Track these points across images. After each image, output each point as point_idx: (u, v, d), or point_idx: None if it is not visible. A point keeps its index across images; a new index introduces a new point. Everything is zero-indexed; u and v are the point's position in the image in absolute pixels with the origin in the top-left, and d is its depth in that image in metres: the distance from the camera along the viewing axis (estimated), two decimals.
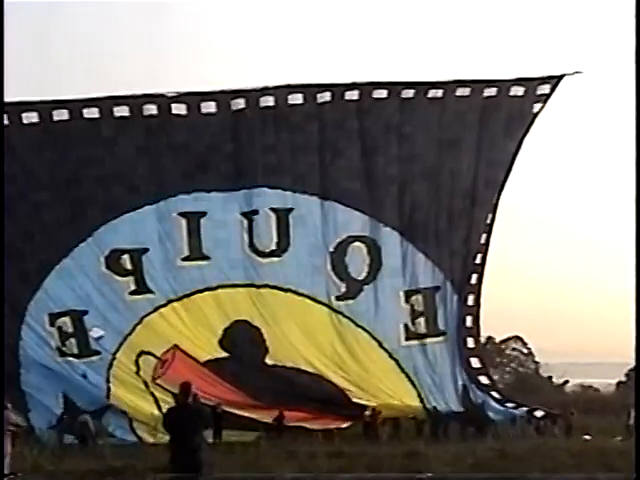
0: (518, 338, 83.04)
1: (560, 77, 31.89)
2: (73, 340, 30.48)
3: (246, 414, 30.44)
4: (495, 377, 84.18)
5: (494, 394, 33.23)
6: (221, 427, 28.79)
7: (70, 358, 30.36)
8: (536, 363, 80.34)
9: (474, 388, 32.48)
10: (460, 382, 32.35)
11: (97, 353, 30.48)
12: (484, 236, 32.83)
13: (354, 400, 31.39)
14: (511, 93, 31.98)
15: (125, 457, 22.21)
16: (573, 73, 31.88)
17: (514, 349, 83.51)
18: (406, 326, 32.22)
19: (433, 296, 32.40)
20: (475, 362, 33.01)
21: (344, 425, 31.76)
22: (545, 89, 31.98)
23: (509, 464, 19.58)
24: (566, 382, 70.47)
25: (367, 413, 31.33)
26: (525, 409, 33.32)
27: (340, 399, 31.33)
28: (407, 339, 32.19)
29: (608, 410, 42.70)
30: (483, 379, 33.18)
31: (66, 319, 30.46)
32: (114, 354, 30.42)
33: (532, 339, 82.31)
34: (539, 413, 33.73)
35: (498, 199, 32.78)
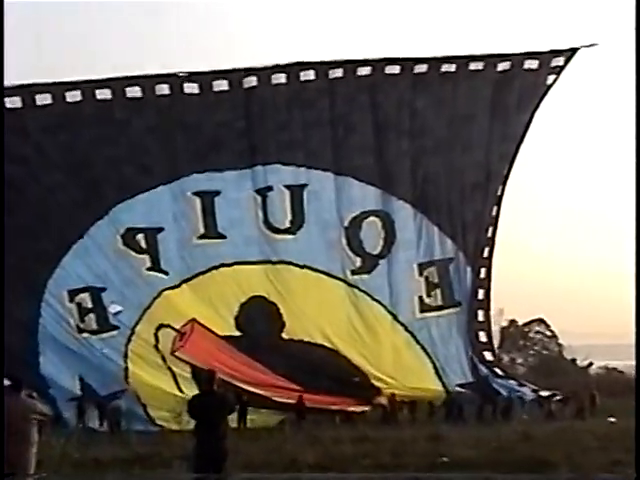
0: (541, 321, 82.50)
1: (575, 49, 31.79)
2: (92, 316, 30.70)
3: (268, 394, 30.61)
4: (519, 360, 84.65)
5: (497, 370, 33.70)
6: (246, 413, 29.08)
7: (88, 334, 30.52)
8: (560, 345, 79.64)
9: (477, 362, 32.82)
10: (470, 353, 32.68)
11: (116, 328, 30.68)
12: (494, 209, 32.98)
13: (372, 381, 31.57)
14: (525, 66, 32.04)
15: (151, 444, 22.45)
16: (588, 45, 31.78)
17: (537, 332, 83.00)
18: (420, 298, 32.39)
19: (447, 268, 32.63)
20: (482, 336, 33.44)
21: (360, 409, 31.85)
22: (559, 61, 31.98)
23: (533, 447, 19.33)
24: (590, 364, 69.97)
25: (383, 398, 31.55)
26: (530, 389, 33.66)
27: (355, 378, 31.53)
28: (422, 311, 32.35)
29: (633, 392, 42.48)
30: (487, 355, 33.60)
31: (85, 295, 30.69)
32: (133, 328, 30.59)
33: (555, 321, 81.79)
34: (545, 393, 34.06)
35: (509, 172, 32.90)
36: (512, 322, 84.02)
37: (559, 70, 32.07)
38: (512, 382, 33.84)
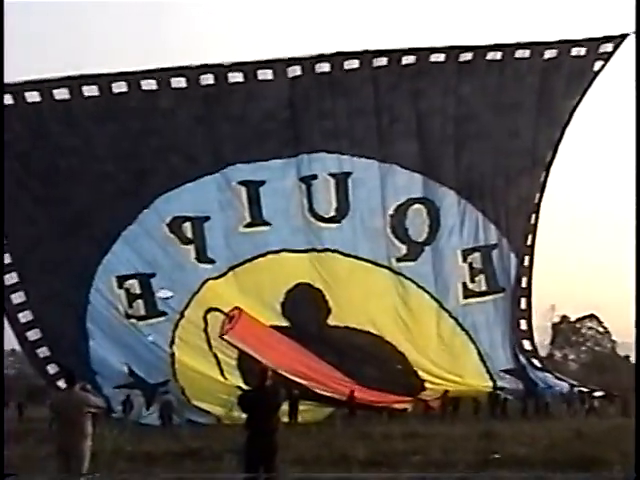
0: (594, 317, 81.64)
1: (624, 36, 31.44)
2: (140, 302, 31.10)
3: (319, 389, 30.93)
4: (571, 356, 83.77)
5: (534, 361, 33.59)
6: (297, 408, 29.37)
7: (136, 320, 30.92)
8: (613, 342, 78.75)
9: (518, 350, 32.92)
10: (512, 341, 32.84)
11: (163, 314, 31.03)
12: (537, 195, 32.93)
13: (414, 369, 31.85)
14: (572, 53, 31.85)
15: (202, 438, 22.50)
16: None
17: (590, 328, 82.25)
18: (464, 284, 32.54)
19: (490, 254, 32.71)
20: (523, 324, 33.50)
21: (403, 407, 32.10)
22: (607, 47, 31.74)
23: (585, 445, 19.09)
24: None
25: (430, 396, 31.86)
26: (569, 383, 33.91)
27: (398, 365, 31.80)
28: (466, 297, 32.51)
29: None
30: (526, 344, 33.61)
31: (134, 281, 31.09)
32: (182, 312, 30.91)
33: (609, 317, 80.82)
34: (584, 389, 34.40)
35: (553, 158, 32.88)
36: (564, 318, 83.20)
37: (607, 56, 31.83)
38: (548, 375, 33.91)
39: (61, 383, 29.12)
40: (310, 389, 30.75)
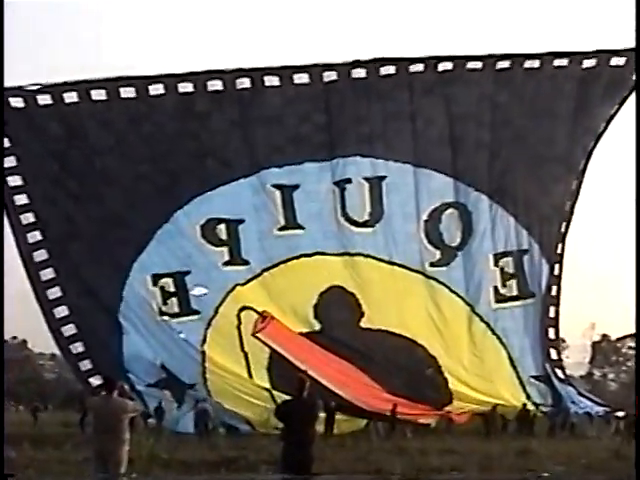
0: (635, 336, 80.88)
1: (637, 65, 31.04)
2: (174, 299, 31.26)
3: (359, 404, 31.09)
4: (610, 376, 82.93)
5: (558, 371, 33.61)
6: (334, 420, 29.67)
7: (169, 318, 31.16)
8: None
9: (544, 358, 33.09)
10: (544, 346, 33.02)
11: (197, 312, 31.23)
12: (568, 204, 32.96)
13: (445, 374, 32.00)
14: (612, 63, 31.72)
15: (238, 448, 22.70)
16: None
17: (630, 347, 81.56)
18: (495, 289, 32.64)
19: (522, 258, 32.77)
20: (551, 332, 33.54)
21: (430, 421, 32.35)
22: None
23: (624, 466, 18.88)
24: None
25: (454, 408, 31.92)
26: (590, 400, 34.01)
27: (428, 369, 31.96)
28: (497, 302, 32.61)
29: None
30: (553, 352, 33.77)
31: (168, 279, 31.26)
32: (217, 308, 31.10)
33: None
34: (602, 408, 34.04)
35: (586, 166, 32.90)
36: (604, 337, 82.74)
37: None
38: (571, 389, 33.97)
39: (93, 380, 29.98)
40: (347, 400, 30.82)
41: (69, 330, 30.52)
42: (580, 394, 34.36)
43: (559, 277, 33.18)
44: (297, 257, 31.43)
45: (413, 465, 19.22)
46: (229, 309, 31.11)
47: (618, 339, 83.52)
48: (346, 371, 31.33)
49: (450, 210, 32.21)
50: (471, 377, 31.98)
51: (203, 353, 31.00)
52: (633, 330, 79.54)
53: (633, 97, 31.29)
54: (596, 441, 28.12)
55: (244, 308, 31.22)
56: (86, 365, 30.55)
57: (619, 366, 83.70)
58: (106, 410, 13.14)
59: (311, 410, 12.86)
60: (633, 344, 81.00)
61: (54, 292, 30.34)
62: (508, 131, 31.99)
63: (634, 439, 29.63)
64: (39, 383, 71.70)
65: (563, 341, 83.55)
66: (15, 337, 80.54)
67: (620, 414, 34.40)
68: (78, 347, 30.63)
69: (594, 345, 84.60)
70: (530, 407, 32.54)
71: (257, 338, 31.18)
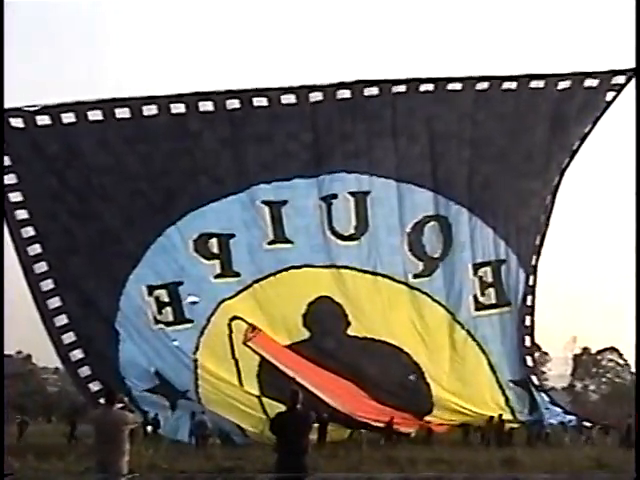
0: (614, 349, 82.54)
1: (637, 69, 31.93)
2: (169, 309, 32.38)
3: (349, 412, 32.50)
4: (591, 387, 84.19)
5: (533, 378, 35.11)
6: (326, 431, 31.09)
7: (164, 326, 32.31)
8: (632, 374, 79.57)
9: (521, 364, 34.55)
10: (526, 347, 34.52)
11: (190, 321, 32.37)
12: (543, 217, 34.41)
13: (428, 380, 33.39)
14: (585, 84, 32.98)
15: (234, 458, 23.78)
16: None
17: (610, 360, 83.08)
18: (475, 297, 34.01)
19: (499, 268, 34.13)
20: (527, 341, 34.94)
21: (410, 430, 33.73)
22: (620, 79, 32.81)
23: (606, 474, 19.96)
24: None
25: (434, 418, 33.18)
26: (562, 409, 35.59)
27: (411, 376, 33.34)
28: (476, 309, 34.02)
29: None
30: (529, 359, 35.11)
31: (162, 291, 32.39)
32: (209, 318, 32.29)
33: (628, 350, 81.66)
34: (570, 417, 35.47)
35: (559, 182, 34.28)
36: (585, 350, 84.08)
37: (620, 88, 32.94)
38: (544, 396, 35.39)
39: (92, 385, 31.22)
40: (337, 409, 32.11)
41: (68, 338, 31.64)
42: (552, 402, 35.82)
43: (534, 287, 34.59)
44: (286, 269, 32.61)
45: (403, 475, 20.10)
46: (220, 318, 32.29)
47: (598, 352, 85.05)
48: (335, 382, 32.59)
49: (432, 223, 33.49)
50: (452, 382, 33.37)
51: (195, 361, 32.19)
52: (612, 343, 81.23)
53: (627, 103, 32.10)
54: (578, 450, 29.08)
55: (235, 318, 32.44)
56: (85, 372, 31.72)
57: (599, 378, 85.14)
58: (107, 421, 13.70)
59: (305, 421, 13.39)
60: (612, 357, 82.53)
61: (54, 302, 31.48)
62: (488, 148, 33.29)
63: (619, 448, 30.89)
64: (43, 396, 72.71)
65: (545, 354, 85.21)
66: (20, 352, 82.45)
67: (587, 424, 35.58)
68: (77, 354, 31.77)
69: (575, 358, 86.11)
70: (507, 417, 33.94)
71: (248, 347, 32.42)
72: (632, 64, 32.16)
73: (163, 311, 32.43)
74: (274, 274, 32.59)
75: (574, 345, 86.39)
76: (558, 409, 35.43)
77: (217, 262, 32.60)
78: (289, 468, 12.66)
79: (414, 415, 33.43)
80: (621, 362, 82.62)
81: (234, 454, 25.52)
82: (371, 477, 19.03)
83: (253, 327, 32.45)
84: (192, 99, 31.66)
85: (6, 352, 71.24)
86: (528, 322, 34.66)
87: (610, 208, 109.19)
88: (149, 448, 24.33)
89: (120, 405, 14.52)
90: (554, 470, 20.91)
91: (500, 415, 33.68)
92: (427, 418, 33.43)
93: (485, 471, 21.28)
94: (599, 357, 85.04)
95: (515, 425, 34.41)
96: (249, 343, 32.40)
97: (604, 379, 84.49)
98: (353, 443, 31.07)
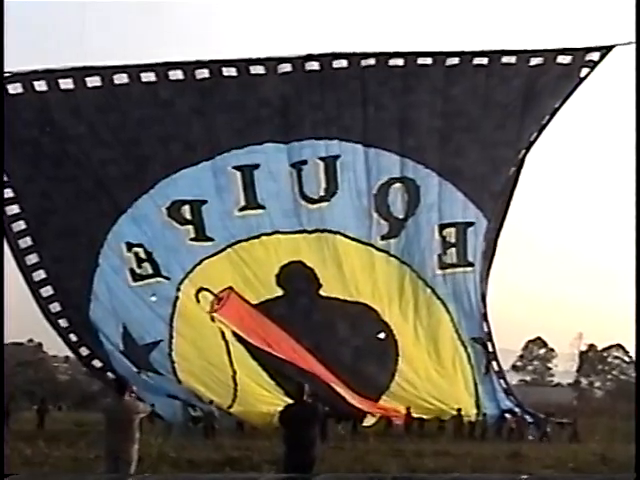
0: (619, 346, 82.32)
1: (610, 47, 32.56)
2: (147, 264, 33.17)
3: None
4: (597, 384, 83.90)
5: (488, 345, 36.03)
6: (326, 427, 31.10)
7: (141, 281, 33.16)
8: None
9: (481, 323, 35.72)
10: (482, 311, 35.39)
11: (167, 278, 33.20)
12: (509, 186, 35.20)
13: (396, 337, 34.33)
14: (558, 61, 33.04)
15: (242, 448, 24.06)
16: (625, 43, 31.12)
17: (616, 357, 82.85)
18: (439, 257, 34.78)
19: (465, 230, 34.69)
20: (482, 306, 35.76)
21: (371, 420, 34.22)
22: (594, 56, 32.87)
23: (611, 469, 19.95)
24: None
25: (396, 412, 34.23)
26: (514, 402, 36.39)
27: (380, 334, 34.50)
28: (440, 268, 34.83)
29: None
30: (484, 325, 35.92)
31: (140, 249, 33.10)
32: (179, 285, 33.12)
33: (634, 347, 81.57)
34: (516, 408, 36.13)
35: (526, 154, 34.87)
36: (591, 347, 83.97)
37: (593, 65, 33.01)
38: (502, 382, 36.74)
39: (72, 336, 32.61)
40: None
41: (46, 292, 32.61)
42: (507, 392, 36.66)
43: (494, 251, 35.66)
44: (257, 236, 33.38)
45: (409, 467, 20.34)
46: (188, 289, 33.17)
47: (604, 349, 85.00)
48: (298, 351, 33.51)
49: (397, 184, 33.97)
50: (417, 340, 34.47)
51: (172, 314, 33.07)
52: (618, 340, 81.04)
53: (627, 96, 32.29)
54: (583, 445, 29.17)
55: (201, 289, 33.23)
56: (65, 323, 32.89)
57: (605, 374, 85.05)
58: (118, 410, 13.85)
59: (312, 413, 13.53)
60: (618, 354, 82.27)
61: (31, 258, 32.31)
62: (459, 119, 33.61)
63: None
64: (53, 384, 73.68)
65: (552, 350, 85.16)
66: (31, 340, 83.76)
67: (530, 419, 35.95)
68: (55, 306, 32.77)
69: (581, 354, 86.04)
70: (469, 412, 34.81)
71: (213, 319, 33.34)
72: (606, 41, 32.99)
73: (142, 265, 33.18)
74: (246, 240, 33.30)
75: (580, 342, 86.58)
76: (505, 397, 36.16)
77: (191, 227, 33.26)
78: (297, 460, 12.86)
79: (371, 396, 34.15)
80: (627, 359, 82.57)
81: (242, 444, 25.69)
82: (373, 477, 19.14)
83: (219, 298, 33.16)
84: (162, 68, 31.94)
85: (17, 340, 73.71)
86: (484, 287, 35.60)
87: (620, 205, 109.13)
88: (158, 437, 24.65)
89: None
90: (558, 465, 21.20)
91: (459, 410, 34.40)
92: (382, 402, 34.21)
93: (491, 464, 21.45)
94: (605, 354, 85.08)
95: (473, 418, 35.09)
96: (215, 315, 33.19)
97: (610, 376, 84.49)
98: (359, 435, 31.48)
